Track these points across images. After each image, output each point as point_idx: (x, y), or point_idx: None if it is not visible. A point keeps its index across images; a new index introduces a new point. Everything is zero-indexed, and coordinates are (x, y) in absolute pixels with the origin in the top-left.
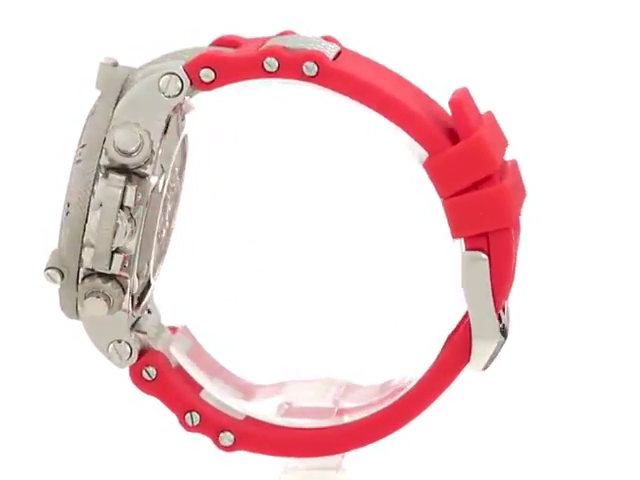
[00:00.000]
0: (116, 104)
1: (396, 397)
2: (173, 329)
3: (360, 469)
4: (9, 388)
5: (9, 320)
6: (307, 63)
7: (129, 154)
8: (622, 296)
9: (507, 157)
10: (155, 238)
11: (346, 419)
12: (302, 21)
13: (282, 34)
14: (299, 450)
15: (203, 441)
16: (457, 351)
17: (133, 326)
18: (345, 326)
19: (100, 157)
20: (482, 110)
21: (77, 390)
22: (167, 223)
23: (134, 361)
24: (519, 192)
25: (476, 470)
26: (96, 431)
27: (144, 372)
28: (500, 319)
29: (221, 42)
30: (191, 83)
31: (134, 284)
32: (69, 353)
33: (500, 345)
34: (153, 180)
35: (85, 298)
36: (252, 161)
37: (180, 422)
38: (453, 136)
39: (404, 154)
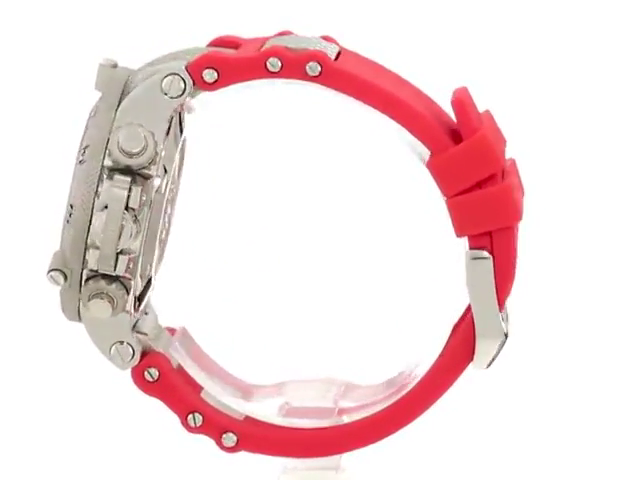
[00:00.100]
0: (118, 105)
1: (398, 396)
2: (171, 330)
3: (360, 469)
4: (10, 392)
5: (9, 323)
6: (310, 63)
7: (133, 155)
8: (621, 293)
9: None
10: (157, 239)
11: (346, 419)
12: (298, 21)
13: (280, 34)
14: (301, 450)
15: (202, 441)
16: (459, 351)
17: (133, 327)
18: (345, 326)
19: (104, 158)
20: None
21: (77, 393)
22: (166, 224)
23: (136, 362)
24: (520, 191)
25: (476, 470)
26: (96, 432)
27: (146, 373)
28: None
29: (219, 42)
30: (194, 83)
31: (137, 285)
32: (69, 356)
33: (502, 344)
34: (157, 181)
35: (89, 300)
36: (254, 161)
37: (182, 423)
38: (455, 136)
39: (406, 154)
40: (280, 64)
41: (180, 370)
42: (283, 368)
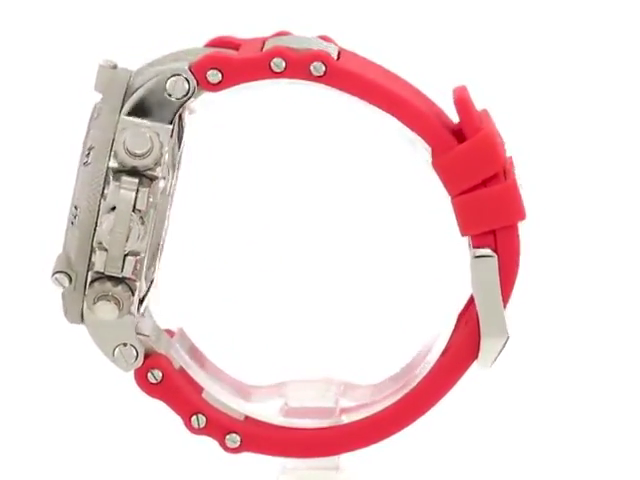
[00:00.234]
0: (121, 107)
1: (399, 396)
2: (169, 332)
3: (360, 469)
4: (12, 397)
5: (9, 326)
6: (315, 63)
7: (140, 156)
8: (621, 291)
9: None
10: (162, 240)
11: (345, 419)
12: (293, 21)
13: (278, 34)
14: (302, 450)
15: (201, 442)
16: (462, 350)
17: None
18: (346, 325)
19: (109, 160)
20: None
21: (78, 396)
22: (166, 225)
23: (140, 364)
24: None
25: (476, 470)
26: (95, 432)
27: (150, 375)
28: None
29: (217, 43)
30: (197, 84)
31: (142, 287)
32: (70, 359)
33: (505, 343)
34: (162, 182)
35: (95, 302)
36: (257, 162)
37: (186, 425)
38: (457, 135)
39: (410, 153)
40: (284, 64)
41: (182, 371)
42: (283, 368)
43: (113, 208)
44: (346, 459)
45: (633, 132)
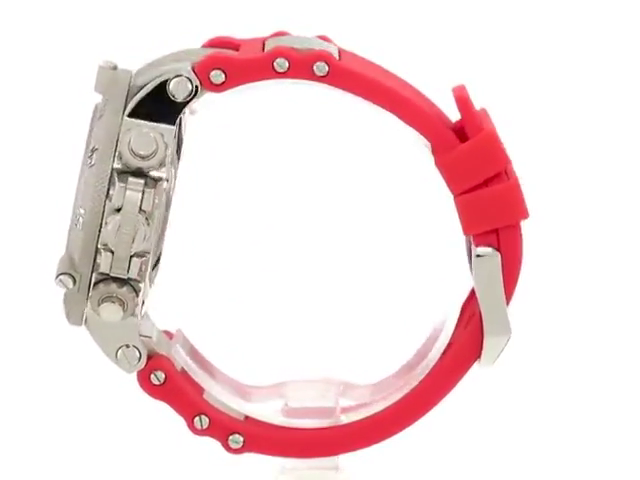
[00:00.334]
0: (124, 108)
1: (399, 395)
2: (168, 333)
3: (360, 469)
4: (13, 399)
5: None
6: (318, 63)
7: (145, 157)
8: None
9: None
10: (163, 241)
11: (345, 419)
12: (290, 21)
13: (277, 34)
14: (303, 451)
15: (201, 443)
16: (464, 350)
17: None
18: (345, 325)
19: (113, 161)
20: None
21: (79, 398)
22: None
23: (143, 365)
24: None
25: (476, 470)
26: (95, 433)
27: (153, 377)
28: None
29: (216, 43)
30: (201, 85)
31: (146, 288)
32: (71, 361)
33: (507, 341)
34: (166, 183)
35: (100, 303)
36: (260, 162)
37: (188, 426)
38: (458, 134)
39: (412, 152)
40: (287, 64)
41: (184, 373)
42: (283, 368)
43: (118, 209)
44: (346, 459)
45: (633, 132)
